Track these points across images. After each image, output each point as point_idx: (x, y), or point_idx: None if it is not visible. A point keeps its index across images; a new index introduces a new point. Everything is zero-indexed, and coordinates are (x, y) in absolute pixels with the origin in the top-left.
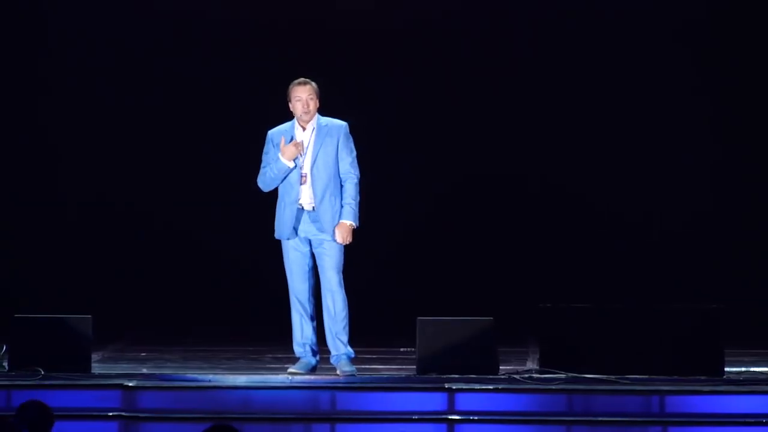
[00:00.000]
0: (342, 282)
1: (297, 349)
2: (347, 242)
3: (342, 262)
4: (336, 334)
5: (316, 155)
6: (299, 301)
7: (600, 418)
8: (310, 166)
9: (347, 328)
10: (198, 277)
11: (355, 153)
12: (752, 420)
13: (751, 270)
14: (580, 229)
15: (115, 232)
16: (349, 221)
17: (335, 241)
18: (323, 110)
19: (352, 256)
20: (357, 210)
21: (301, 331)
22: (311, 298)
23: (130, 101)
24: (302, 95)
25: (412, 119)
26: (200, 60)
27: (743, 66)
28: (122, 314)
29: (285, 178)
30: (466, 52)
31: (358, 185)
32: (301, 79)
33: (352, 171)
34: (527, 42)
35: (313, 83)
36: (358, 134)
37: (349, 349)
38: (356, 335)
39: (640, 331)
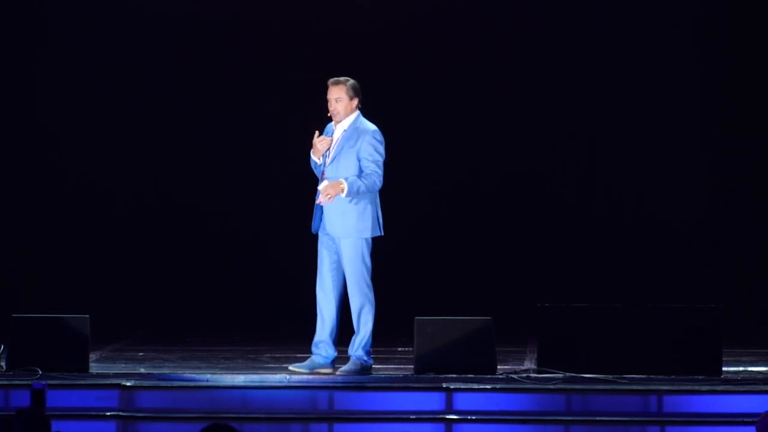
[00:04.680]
0: (361, 283)
1: (312, 347)
2: (324, 198)
3: (366, 262)
4: (354, 335)
5: (335, 157)
6: (317, 298)
7: (598, 418)
8: (329, 167)
9: (365, 332)
10: (197, 276)
11: (378, 158)
12: (750, 420)
13: (750, 270)
14: (579, 228)
15: (114, 232)
16: (345, 183)
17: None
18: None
19: None
20: (360, 188)
21: (316, 329)
22: (330, 297)
23: (130, 102)
24: (330, 96)
25: (412, 119)
26: (200, 58)
27: (744, 66)
28: (120, 314)
29: (319, 172)
30: (463, 50)
31: (375, 182)
32: (332, 79)
33: (374, 172)
34: (525, 41)
35: (346, 83)
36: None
37: (361, 353)
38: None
39: (639, 330)
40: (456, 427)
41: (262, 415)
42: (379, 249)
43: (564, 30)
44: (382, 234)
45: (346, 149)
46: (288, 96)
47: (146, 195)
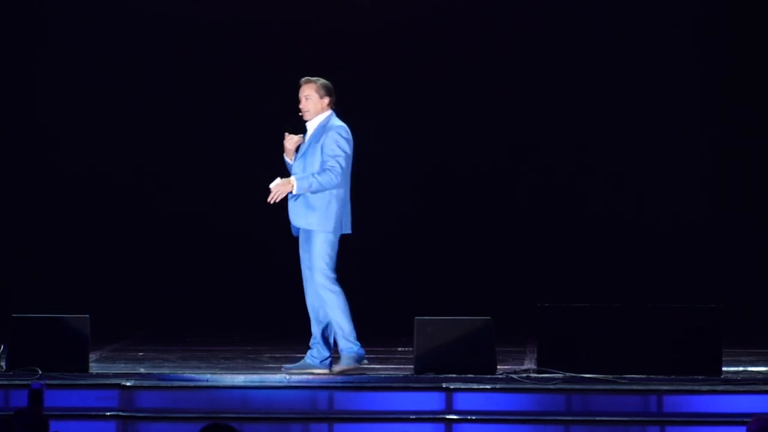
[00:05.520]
0: (323, 279)
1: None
2: (274, 196)
3: (325, 257)
4: (334, 332)
5: (303, 154)
6: (306, 299)
7: (598, 418)
8: (296, 163)
9: (342, 325)
10: (197, 276)
11: (339, 154)
12: (750, 420)
13: (750, 270)
14: (579, 228)
15: (114, 232)
16: (295, 181)
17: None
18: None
19: (350, 254)
20: (312, 185)
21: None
22: (311, 295)
23: (130, 102)
24: (300, 94)
25: (412, 119)
26: (200, 58)
27: (744, 66)
28: (120, 314)
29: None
30: (463, 50)
31: (331, 178)
32: (304, 78)
33: (332, 168)
34: (525, 41)
35: (317, 82)
36: (353, 133)
37: (348, 344)
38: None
39: (639, 330)
40: (456, 427)
41: (262, 415)
42: (379, 248)
43: (564, 30)
44: (350, 232)
45: (312, 145)
46: (288, 96)
47: (146, 195)
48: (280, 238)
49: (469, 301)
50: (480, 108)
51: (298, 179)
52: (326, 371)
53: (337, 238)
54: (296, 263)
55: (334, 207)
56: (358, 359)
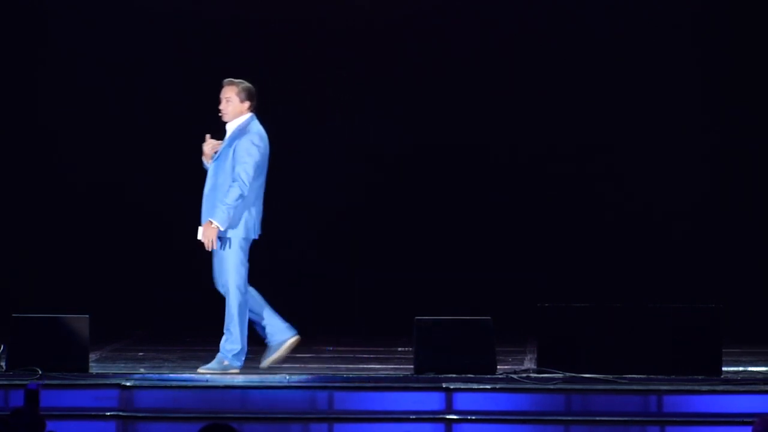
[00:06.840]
0: (228, 283)
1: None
2: (208, 245)
3: (237, 263)
4: (226, 333)
5: (218, 156)
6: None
7: (598, 418)
8: (212, 164)
9: (234, 328)
10: (197, 276)
11: (247, 162)
12: (749, 420)
13: (751, 270)
14: (579, 228)
15: (114, 232)
16: (213, 221)
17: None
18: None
19: (350, 255)
20: (228, 211)
21: None
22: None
23: (130, 102)
24: (221, 95)
25: (412, 118)
26: (200, 58)
27: (744, 66)
28: (120, 314)
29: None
30: (463, 50)
31: (239, 193)
32: (227, 80)
33: (237, 175)
34: (525, 41)
35: (239, 85)
36: (350, 132)
37: (225, 350)
38: (354, 334)
39: (639, 330)
40: (456, 427)
41: (262, 415)
42: (378, 248)
43: (564, 30)
44: (256, 237)
45: (225, 148)
46: (288, 95)
47: (146, 195)
48: (280, 239)
49: (469, 301)
50: (480, 108)
51: (214, 217)
52: (296, 338)
53: (249, 244)
54: (295, 264)
55: (239, 212)
56: (225, 367)
